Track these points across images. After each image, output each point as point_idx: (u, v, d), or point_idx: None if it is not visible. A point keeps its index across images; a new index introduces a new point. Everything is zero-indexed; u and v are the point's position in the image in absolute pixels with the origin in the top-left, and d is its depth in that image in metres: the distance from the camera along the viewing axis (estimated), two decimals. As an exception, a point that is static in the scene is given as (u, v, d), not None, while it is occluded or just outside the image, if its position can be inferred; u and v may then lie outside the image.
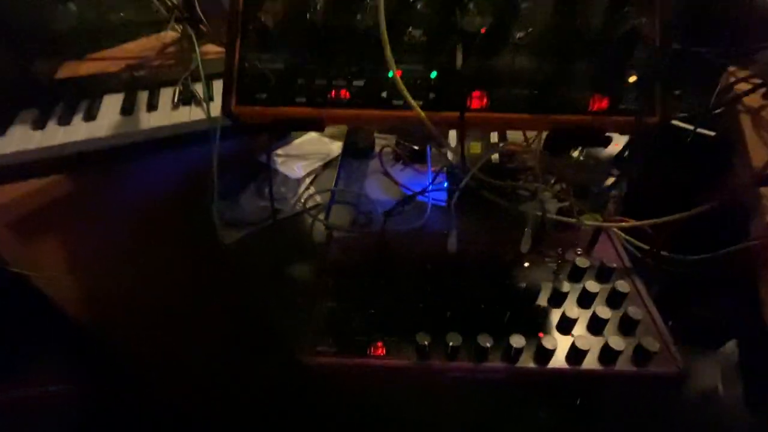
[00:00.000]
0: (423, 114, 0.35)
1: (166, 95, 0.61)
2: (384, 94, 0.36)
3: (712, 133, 0.69)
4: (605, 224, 0.50)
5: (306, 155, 0.80)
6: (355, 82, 0.36)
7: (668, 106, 0.34)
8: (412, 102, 0.34)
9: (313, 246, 0.64)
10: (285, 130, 0.39)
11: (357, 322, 0.46)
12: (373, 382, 0.46)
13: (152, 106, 0.59)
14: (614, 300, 0.46)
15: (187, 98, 0.60)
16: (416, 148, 0.82)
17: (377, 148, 0.82)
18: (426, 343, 0.42)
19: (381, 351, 0.44)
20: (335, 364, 0.44)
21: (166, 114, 0.58)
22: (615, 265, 0.48)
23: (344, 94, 0.36)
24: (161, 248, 0.64)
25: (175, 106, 0.59)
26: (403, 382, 0.46)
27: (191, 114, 0.58)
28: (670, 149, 0.68)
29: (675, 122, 0.74)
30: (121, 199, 0.60)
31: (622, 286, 0.46)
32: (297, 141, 0.85)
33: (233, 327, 0.59)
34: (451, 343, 0.41)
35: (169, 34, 0.82)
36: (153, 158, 0.58)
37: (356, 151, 0.81)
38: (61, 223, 0.56)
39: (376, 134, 0.87)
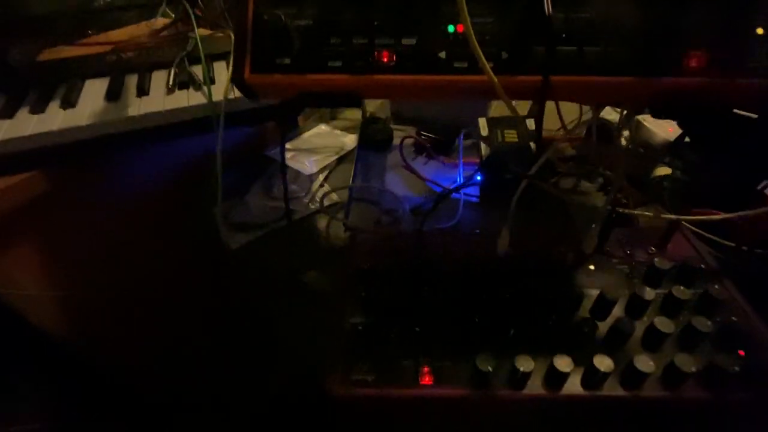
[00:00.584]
0: (496, 79, 0.27)
1: (159, 79, 0.52)
2: (442, 55, 0.28)
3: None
4: (687, 218, 0.42)
5: (317, 149, 0.72)
6: (405, 40, 0.28)
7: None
8: (485, 63, 0.26)
9: (332, 250, 0.55)
10: (312, 104, 0.31)
11: (398, 342, 0.38)
12: (419, 416, 0.38)
13: (143, 91, 0.50)
14: (708, 308, 0.38)
15: (183, 81, 0.51)
16: (440, 138, 0.74)
17: (396, 141, 0.75)
18: (489, 368, 0.34)
19: (429, 379, 0.36)
20: (375, 396, 0.35)
21: (159, 99, 0.49)
22: (702, 265, 0.40)
23: (390, 56, 0.28)
24: (157, 257, 0.55)
25: (169, 91, 0.50)
26: (456, 416, 0.38)
27: (189, 99, 0.49)
28: (732, 135, 0.61)
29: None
30: (108, 200, 0.51)
31: (716, 291, 0.38)
32: (306, 134, 0.76)
33: (244, 347, 0.51)
34: (522, 368, 0.33)
35: (160, 21, 0.74)
36: (144, 151, 0.50)
37: (374, 143, 0.73)
38: (35, 229, 0.47)
39: (393, 125, 0.79)
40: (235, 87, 0.31)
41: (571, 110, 0.73)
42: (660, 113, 0.29)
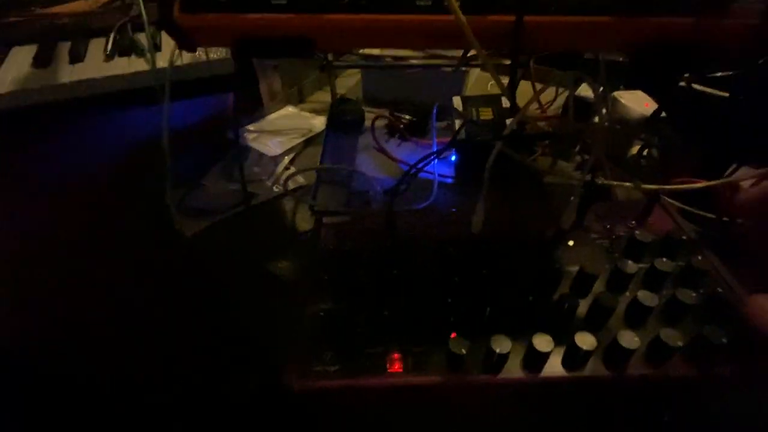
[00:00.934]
0: (464, 19, 0.24)
1: (97, 45, 0.47)
2: (404, -9, 0.24)
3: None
4: (668, 187, 0.40)
5: (283, 131, 0.67)
6: (360, -25, 0.24)
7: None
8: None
9: (297, 235, 0.51)
10: (256, 53, 0.26)
11: (365, 328, 0.35)
12: (390, 407, 0.35)
13: (77, 57, 0.45)
14: (691, 280, 0.36)
15: (125, 48, 0.46)
16: (414, 119, 0.71)
17: (368, 122, 0.71)
18: (463, 351, 0.31)
19: (399, 366, 0.32)
20: (340, 388, 0.32)
21: (95, 66, 0.44)
22: (683, 237, 0.39)
23: (344, -7, 0.24)
24: (99, 248, 0.50)
25: (108, 57, 0.45)
26: (430, 405, 0.34)
27: (130, 66, 0.44)
28: (699, 112, 0.60)
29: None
30: (39, 180, 0.45)
31: (699, 262, 0.36)
32: (272, 116, 0.72)
33: (202, 342, 0.46)
34: (498, 350, 0.30)
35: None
36: (80, 125, 0.44)
37: (344, 124, 0.69)
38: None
39: (365, 108, 0.75)
40: (166, 33, 0.27)
41: (547, 92, 0.72)
42: (639, 70, 0.26)
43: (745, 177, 0.40)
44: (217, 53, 0.44)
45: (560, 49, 0.32)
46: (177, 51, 0.46)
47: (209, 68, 0.44)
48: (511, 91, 0.29)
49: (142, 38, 0.48)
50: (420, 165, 0.45)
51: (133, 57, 0.45)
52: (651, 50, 0.25)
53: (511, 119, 0.35)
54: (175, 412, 0.46)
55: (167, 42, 0.49)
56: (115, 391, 0.50)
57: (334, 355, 0.33)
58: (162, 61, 0.44)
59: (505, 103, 0.62)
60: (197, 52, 0.46)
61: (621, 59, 0.65)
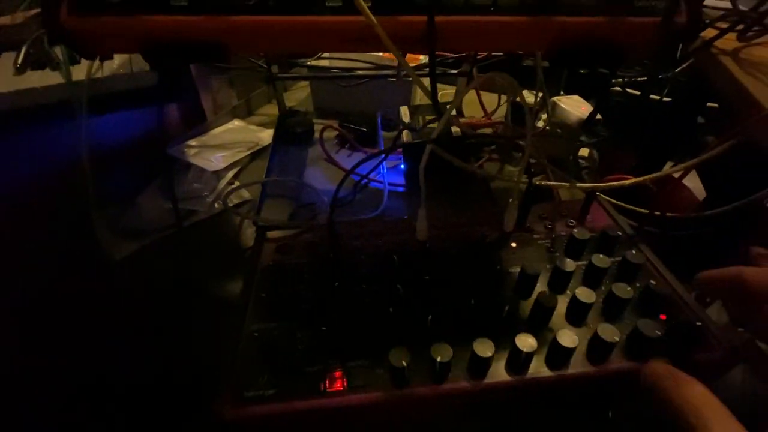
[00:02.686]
0: (374, 20, 0.23)
1: (7, 59, 0.43)
2: (313, -8, 0.24)
3: (668, 99, 0.66)
4: (602, 185, 0.41)
5: (228, 145, 0.65)
6: (267, -26, 0.23)
7: (699, 3, 0.25)
8: (361, 1, 0.22)
9: (239, 252, 0.49)
10: (169, 61, 0.25)
11: (303, 346, 0.33)
12: (333, 430, 0.32)
13: (-19, 72, 0.41)
14: (627, 274, 0.37)
15: (39, 61, 0.43)
16: (364, 129, 0.71)
17: (317, 133, 0.70)
18: (404, 363, 0.29)
19: (340, 384, 0.31)
20: (273, 414, 0.29)
21: (3, 80, 0.40)
22: (619, 233, 0.39)
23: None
24: (19, 272, 0.45)
25: (19, 70, 0.41)
26: (375, 422, 0.33)
27: (42, 80, 0.41)
28: (632, 114, 0.64)
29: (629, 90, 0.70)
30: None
31: (634, 256, 0.37)
32: (217, 130, 0.69)
33: (135, 374, 0.42)
34: (439, 359, 0.29)
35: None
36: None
37: (292, 136, 0.68)
38: None
39: (315, 120, 0.74)
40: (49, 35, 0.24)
41: (493, 99, 0.74)
42: (557, 61, 0.26)
43: (672, 171, 0.42)
44: (142, 64, 0.42)
45: (474, 49, 0.32)
46: (98, 63, 0.44)
47: (133, 80, 0.42)
48: (432, 93, 0.29)
49: (60, 51, 0.45)
50: (355, 172, 0.44)
51: (47, 71, 0.42)
52: (562, 49, 0.26)
53: (439, 122, 0.35)
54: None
55: (88, 54, 0.46)
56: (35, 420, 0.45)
57: (270, 377, 0.31)
58: (80, 72, 0.41)
59: (453, 111, 0.63)
60: (120, 64, 0.43)
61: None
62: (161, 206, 0.51)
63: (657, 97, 0.64)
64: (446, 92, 0.84)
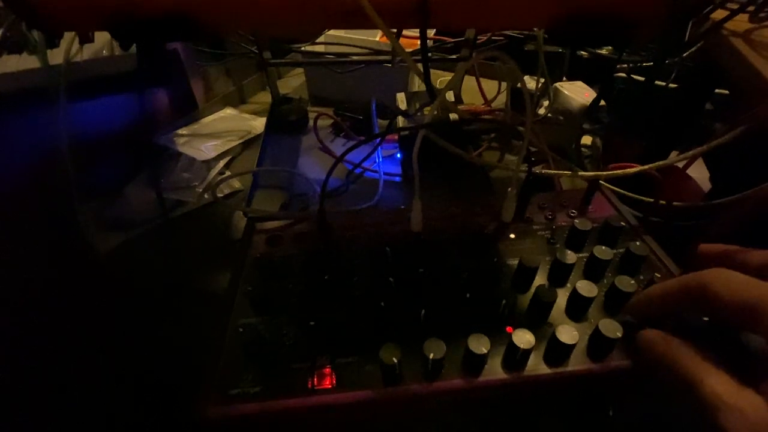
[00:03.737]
0: (359, -10, 0.21)
1: (-17, 43, 0.41)
2: (291, -38, 0.22)
3: (674, 85, 0.63)
4: (606, 173, 0.39)
5: (219, 134, 0.63)
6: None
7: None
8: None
9: (228, 244, 0.47)
10: (137, 38, 0.23)
11: (291, 341, 0.31)
12: (321, 430, 0.31)
13: (-45, 56, 0.39)
14: (631, 267, 0.35)
15: (15, 46, 0.41)
16: (360, 118, 0.69)
17: (311, 121, 0.68)
18: (395, 360, 0.28)
19: (329, 381, 0.29)
20: (259, 413, 0.28)
21: (-23, 65, 0.38)
22: (623, 223, 0.38)
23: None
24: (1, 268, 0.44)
25: (-7, 55, 0.40)
26: (365, 420, 0.31)
27: (20, 64, 0.39)
28: (637, 101, 0.61)
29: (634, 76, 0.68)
30: None
31: (638, 248, 0.35)
32: (208, 119, 0.67)
33: (113, 369, 0.41)
34: (431, 356, 0.28)
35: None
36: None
37: (285, 124, 0.66)
38: None
39: (310, 108, 0.72)
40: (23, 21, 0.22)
41: (493, 87, 0.71)
42: (560, 37, 0.24)
43: (677, 159, 0.40)
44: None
45: (471, 25, 0.30)
46: (77, 46, 0.42)
47: (114, 64, 0.40)
48: (425, 74, 0.27)
49: (38, 34, 0.43)
50: (348, 160, 0.42)
51: (24, 55, 0.40)
52: (567, 23, 0.24)
53: (432, 107, 0.33)
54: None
55: (67, 38, 0.44)
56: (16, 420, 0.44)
57: (256, 374, 0.30)
58: (58, 56, 0.39)
59: (450, 97, 0.61)
60: (101, 47, 0.41)
61: (561, 50, 0.65)
62: (149, 197, 0.50)
63: (662, 83, 0.62)
64: (445, 79, 0.82)
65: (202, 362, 0.31)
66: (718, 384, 0.21)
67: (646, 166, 0.38)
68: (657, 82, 0.62)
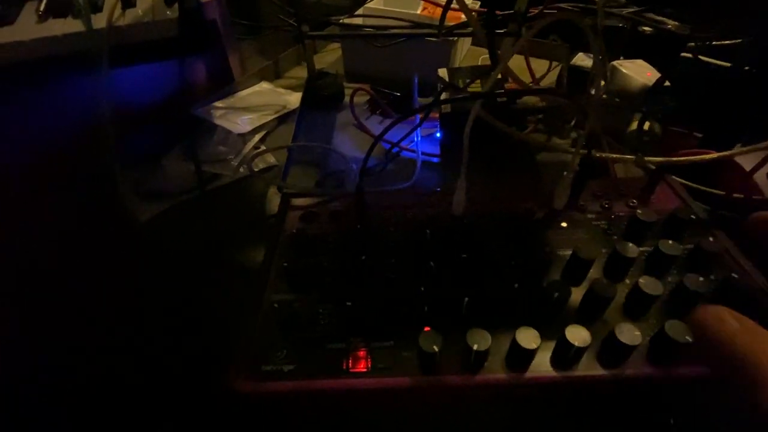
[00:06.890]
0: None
1: (29, 8, 0.41)
2: None
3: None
4: (675, 159, 0.35)
5: (254, 108, 0.62)
6: None
7: None
8: None
9: (264, 219, 0.47)
10: None
11: (326, 321, 0.30)
12: (353, 413, 0.30)
13: (5, 20, 0.39)
14: (701, 265, 0.31)
15: (61, 10, 0.41)
16: (398, 94, 0.66)
17: (347, 97, 0.66)
18: (436, 348, 0.26)
19: (364, 364, 0.28)
20: (291, 391, 0.27)
21: (25, 29, 0.38)
22: (692, 216, 0.34)
23: None
24: (42, 233, 0.45)
25: (41, 18, 0.40)
26: (399, 407, 0.30)
27: (65, 27, 0.39)
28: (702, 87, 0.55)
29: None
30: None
31: (710, 244, 0.31)
32: (244, 92, 0.66)
33: (157, 340, 0.41)
34: (476, 347, 0.26)
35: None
36: (13, 96, 0.39)
37: (321, 100, 0.64)
38: None
39: (346, 84, 0.70)
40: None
41: (542, 64, 0.67)
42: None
43: (753, 149, 0.35)
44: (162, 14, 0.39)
45: None
46: (119, 11, 0.41)
47: (155, 30, 0.39)
48: (490, 43, 0.24)
49: (83, -2, 0.42)
50: (386, 139, 0.40)
51: (69, 18, 0.40)
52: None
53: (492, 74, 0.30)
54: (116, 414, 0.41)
55: (109, 3, 0.43)
56: (59, 389, 0.45)
57: (290, 352, 0.29)
58: (101, 20, 0.39)
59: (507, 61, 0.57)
60: (142, 14, 0.40)
61: (621, 25, 0.60)
62: (186, 169, 0.49)
63: (727, 64, 0.55)
64: (488, 57, 0.77)
65: (234, 336, 0.31)
66: None
67: (724, 153, 0.34)
68: (719, 63, 0.56)
